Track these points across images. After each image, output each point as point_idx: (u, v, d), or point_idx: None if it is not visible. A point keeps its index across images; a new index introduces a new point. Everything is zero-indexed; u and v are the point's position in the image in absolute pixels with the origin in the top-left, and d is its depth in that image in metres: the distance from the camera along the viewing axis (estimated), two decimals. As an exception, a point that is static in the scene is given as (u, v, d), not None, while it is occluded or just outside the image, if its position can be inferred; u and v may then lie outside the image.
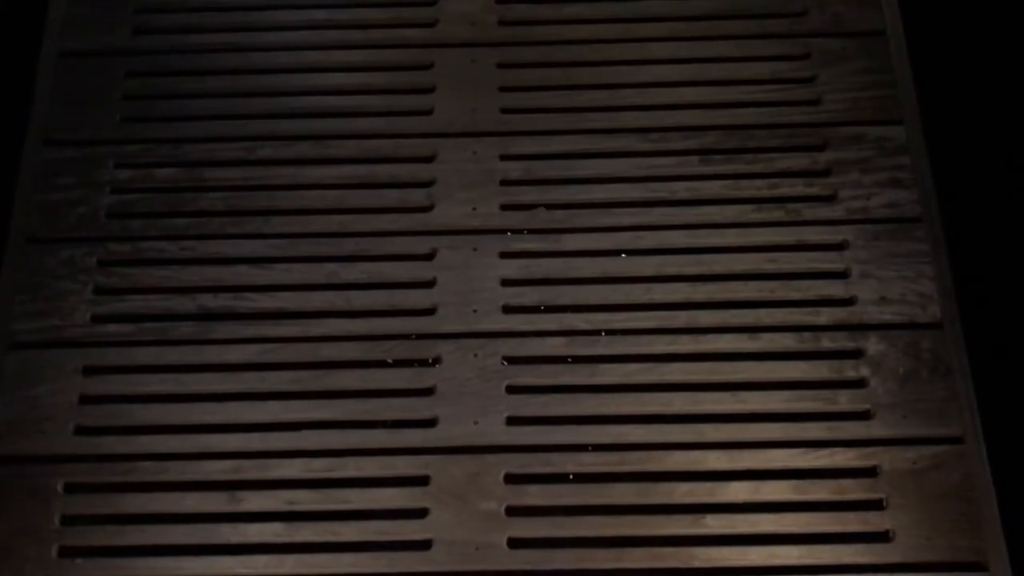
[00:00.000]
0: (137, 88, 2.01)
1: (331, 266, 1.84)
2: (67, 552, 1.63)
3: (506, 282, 1.83)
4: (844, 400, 1.72)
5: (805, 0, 2.07)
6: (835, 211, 1.88)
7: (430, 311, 1.80)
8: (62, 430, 1.71)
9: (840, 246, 1.84)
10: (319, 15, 2.10)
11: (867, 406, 1.71)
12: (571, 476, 1.68)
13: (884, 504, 1.65)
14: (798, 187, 1.90)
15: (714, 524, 1.64)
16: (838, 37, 2.03)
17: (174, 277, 1.83)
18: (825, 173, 1.91)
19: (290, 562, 1.62)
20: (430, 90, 2.01)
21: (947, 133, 2.02)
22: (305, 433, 1.71)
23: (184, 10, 2.09)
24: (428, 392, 1.73)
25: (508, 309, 1.80)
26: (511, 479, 1.67)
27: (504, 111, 1.98)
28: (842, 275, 1.82)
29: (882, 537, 1.63)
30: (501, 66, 2.03)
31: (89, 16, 2.08)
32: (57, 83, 2.00)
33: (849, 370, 1.75)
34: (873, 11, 2.06)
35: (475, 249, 1.86)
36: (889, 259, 1.83)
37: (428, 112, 1.98)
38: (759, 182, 1.91)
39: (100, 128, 1.96)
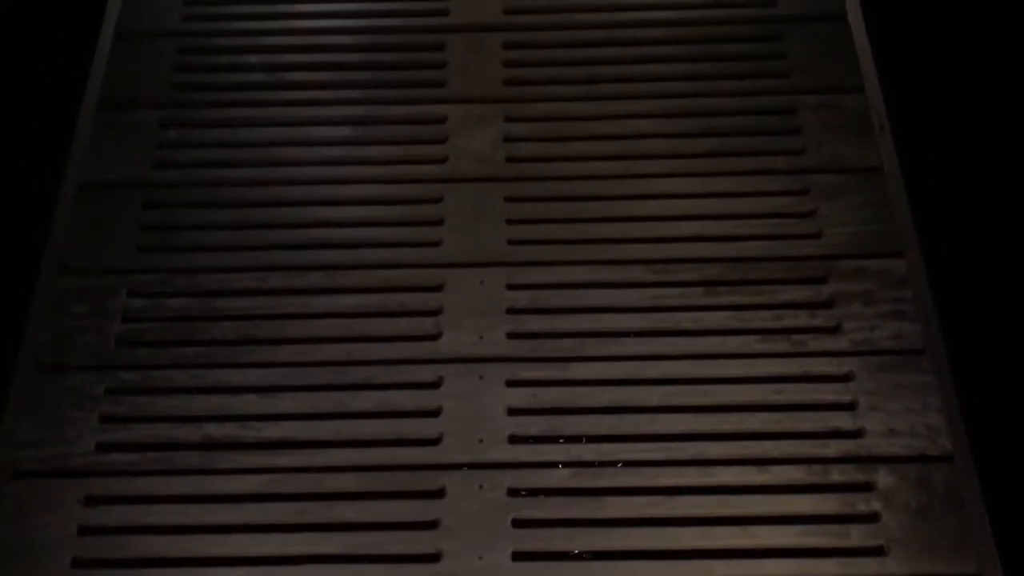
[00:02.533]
0: (154, 219, 1.94)
1: (338, 395, 1.73)
2: None
3: (512, 411, 1.71)
4: (856, 535, 1.58)
5: (804, 138, 2.01)
6: (840, 343, 1.77)
7: (435, 441, 1.68)
8: (59, 563, 1.57)
9: (846, 378, 1.73)
10: (335, 152, 2.04)
11: (880, 541, 1.57)
12: (578, 614, 1.53)
13: (903, 646, 1.49)
14: (802, 319, 1.80)
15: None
16: (837, 173, 1.96)
17: (181, 406, 1.71)
18: (828, 305, 1.81)
19: None
20: (439, 223, 1.93)
21: (948, 265, 1.93)
22: (307, 568, 1.57)
23: (203, 145, 2.04)
24: (432, 525, 1.59)
25: (514, 439, 1.68)
26: (517, 617, 1.53)
27: (511, 242, 1.90)
28: (849, 407, 1.70)
29: None
30: (509, 200, 1.96)
31: (112, 148, 2.02)
32: (76, 213, 1.93)
33: (860, 504, 1.61)
34: (870, 149, 1.99)
35: (481, 377, 1.74)
36: (896, 391, 1.71)
37: (437, 243, 1.90)
38: (763, 313, 1.80)
39: (116, 257, 1.88)
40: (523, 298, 1.83)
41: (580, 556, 1.57)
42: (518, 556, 1.57)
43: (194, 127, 2.06)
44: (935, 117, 2.24)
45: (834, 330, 1.78)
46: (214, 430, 1.69)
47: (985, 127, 2.26)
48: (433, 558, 1.57)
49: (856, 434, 1.67)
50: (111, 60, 2.14)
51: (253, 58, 2.15)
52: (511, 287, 1.84)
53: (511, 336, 1.78)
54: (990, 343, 2.01)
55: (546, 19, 2.20)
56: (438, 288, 1.84)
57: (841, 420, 1.69)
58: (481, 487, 1.62)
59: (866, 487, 1.62)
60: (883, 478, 1.62)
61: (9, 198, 2.22)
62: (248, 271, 1.86)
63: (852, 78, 2.08)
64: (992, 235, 2.15)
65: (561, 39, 2.17)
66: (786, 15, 2.18)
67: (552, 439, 1.68)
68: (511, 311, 1.81)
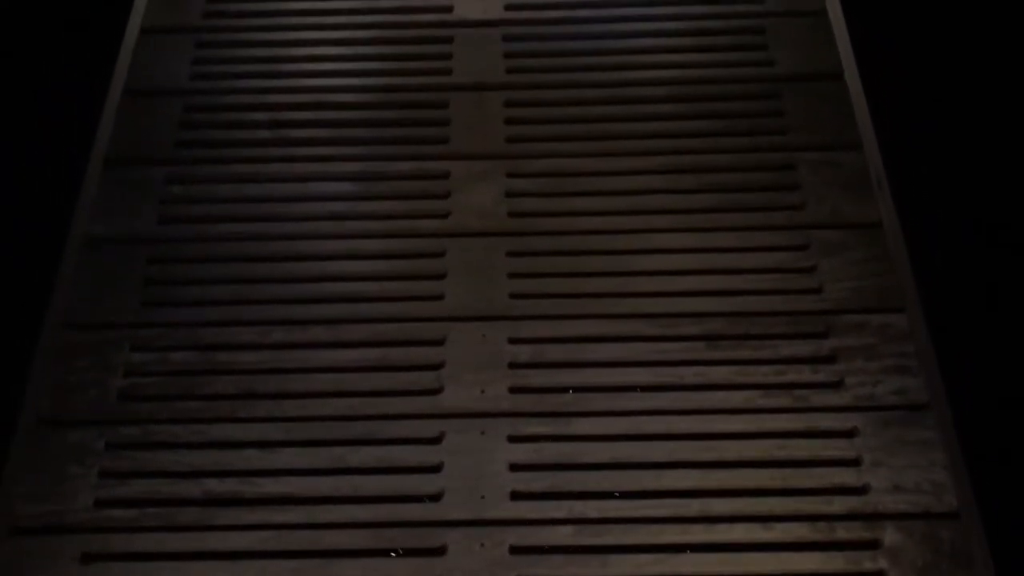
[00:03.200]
0: (158, 273, 1.91)
1: (339, 450, 1.69)
2: None
3: (514, 467, 1.67)
4: (863, 594, 1.54)
5: (803, 193, 1.99)
6: (843, 398, 1.74)
7: (436, 497, 1.64)
8: (54, 621, 1.52)
9: (850, 433, 1.69)
10: (339, 207, 2.03)
11: (887, 600, 1.53)
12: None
13: None
14: (804, 374, 1.77)
15: None
16: (836, 229, 1.95)
17: (181, 461, 1.68)
18: (830, 360, 1.78)
19: None
20: (441, 276, 1.91)
21: (949, 319, 1.90)
22: (305, 626, 1.52)
23: (208, 201, 2.03)
24: (434, 583, 1.55)
25: (517, 495, 1.64)
26: (519, 678, 1.48)
27: (513, 296, 1.88)
28: (854, 463, 1.66)
29: None
30: (511, 254, 1.94)
31: (117, 203, 2.01)
32: (80, 267, 1.91)
33: (867, 561, 1.56)
34: (869, 205, 1.98)
35: (483, 433, 1.71)
36: (900, 447, 1.68)
37: (439, 297, 1.88)
38: (766, 368, 1.77)
39: (119, 312, 1.86)
40: (525, 352, 1.80)
41: (583, 615, 1.53)
42: (520, 615, 1.52)
43: (199, 183, 2.05)
44: (933, 173, 2.23)
45: (837, 385, 1.75)
46: (215, 485, 1.65)
47: (983, 182, 2.25)
48: (434, 617, 1.52)
49: (861, 491, 1.63)
50: (119, 116, 2.14)
51: (259, 115, 2.15)
52: (513, 341, 1.82)
53: (513, 391, 1.75)
54: (994, 397, 1.98)
55: (547, 78, 2.20)
56: (440, 342, 1.81)
57: (846, 476, 1.65)
58: (483, 545, 1.58)
59: (872, 544, 1.58)
60: (889, 535, 1.58)
61: (15, 252, 2.19)
62: (250, 325, 1.84)
63: (850, 135, 2.08)
64: (992, 289, 2.13)
65: (562, 97, 2.17)
66: (784, 74, 2.18)
67: (555, 496, 1.64)
68: (513, 365, 1.78)
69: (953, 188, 2.24)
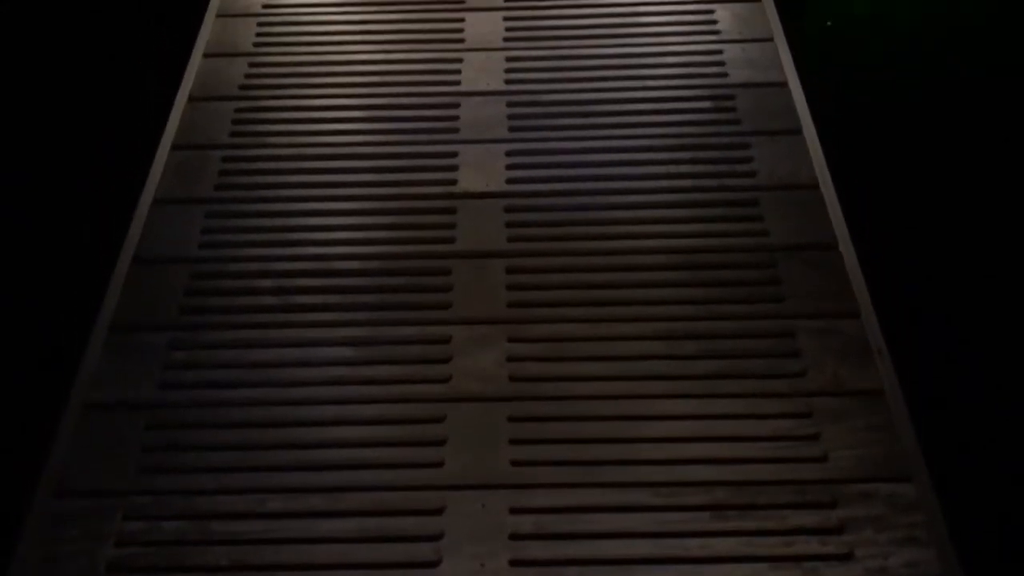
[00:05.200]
0: (156, 440, 1.85)
1: (333, 626, 1.60)
2: None
3: (515, 645, 1.57)
4: None
5: (803, 361, 1.95)
6: (853, 571, 1.65)
7: (434, 678, 1.53)
8: None
9: (863, 609, 1.60)
10: (340, 372, 1.99)
11: None
12: None
13: None
14: (813, 545, 1.68)
15: None
16: (838, 396, 1.90)
17: (168, 637, 1.58)
18: (839, 531, 1.70)
19: None
20: (441, 443, 1.85)
21: (957, 489, 1.83)
22: None
23: (211, 366, 1.99)
24: None
25: (517, 676, 1.54)
26: None
27: (515, 463, 1.81)
28: (869, 641, 1.56)
29: None
30: (512, 420, 1.88)
31: (119, 370, 1.96)
32: (78, 434, 1.85)
33: None
34: (870, 372, 1.93)
35: (483, 608, 1.62)
36: (916, 624, 1.58)
37: (439, 464, 1.81)
38: (773, 540, 1.69)
39: (114, 479, 1.79)
40: (526, 523, 1.72)
41: None
42: None
43: (202, 348, 2.02)
44: (932, 340, 2.20)
45: (846, 557, 1.66)
46: (200, 665, 1.54)
47: (982, 348, 2.22)
48: None
49: (878, 672, 1.53)
50: (126, 283, 2.13)
51: (265, 282, 2.14)
52: (514, 511, 1.74)
53: (514, 564, 1.66)
54: (1007, 569, 1.89)
55: (547, 246, 2.20)
56: (438, 511, 1.74)
57: (861, 656, 1.55)
58: None
59: None
60: None
61: (13, 418, 2.15)
62: (246, 493, 1.77)
63: (847, 303, 2.05)
64: (999, 457, 2.06)
65: (562, 264, 2.16)
66: (779, 243, 2.18)
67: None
68: (514, 536, 1.70)
69: (953, 356, 2.21)
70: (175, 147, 2.42)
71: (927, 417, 1.90)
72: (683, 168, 2.34)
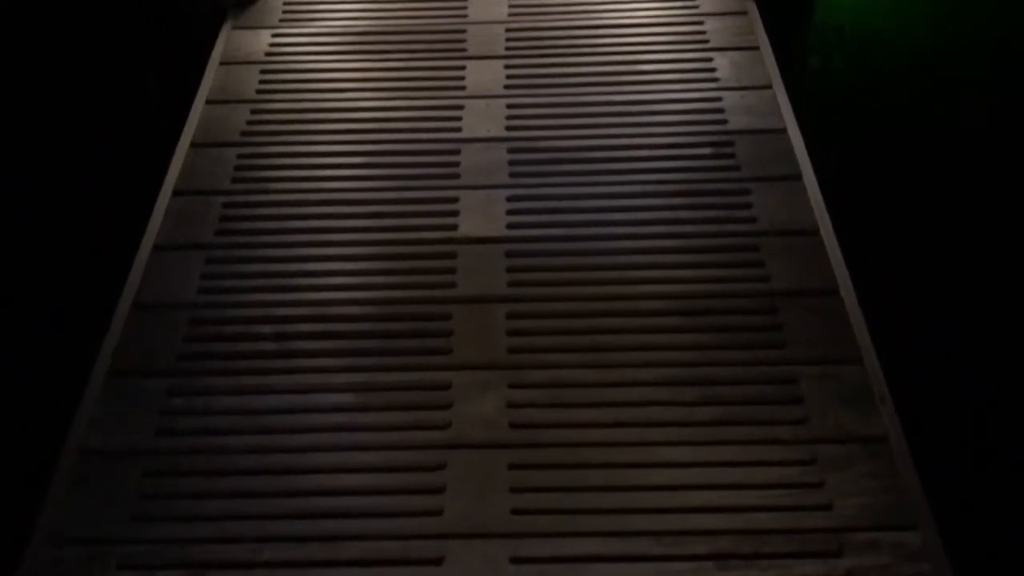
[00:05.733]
0: (152, 487, 1.82)
1: None
2: None
3: None
4: None
5: (806, 407, 1.93)
6: (861, 622, 1.62)
7: None
8: None
9: (871, 662, 1.56)
10: (340, 418, 1.96)
11: None
12: None
13: None
14: (819, 595, 1.66)
15: None
16: (842, 443, 1.87)
17: None
18: (845, 581, 1.67)
19: None
20: (441, 490, 1.82)
21: (963, 536, 1.80)
22: None
23: (210, 413, 1.96)
24: None
25: None
26: None
27: (515, 512, 1.78)
28: None
29: None
30: (512, 467, 1.86)
31: (116, 415, 1.94)
32: (74, 481, 1.83)
33: None
34: (873, 419, 1.91)
35: (483, 661, 1.58)
36: (925, 677, 1.54)
37: (438, 513, 1.78)
38: (778, 590, 1.66)
39: (109, 527, 1.76)
40: (528, 573, 1.69)
41: None
42: None
43: (201, 395, 1.99)
44: (935, 387, 2.18)
45: (853, 608, 1.63)
46: None
47: (987, 393, 2.20)
48: None
49: None
50: (125, 328, 2.11)
51: (265, 328, 2.12)
52: (515, 560, 1.71)
53: (514, 615, 1.63)
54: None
55: (548, 291, 2.19)
56: (438, 562, 1.70)
57: None
58: None
59: None
60: None
61: (9, 464, 2.12)
62: (243, 542, 1.74)
63: (849, 349, 2.04)
64: (1006, 504, 2.03)
65: (563, 309, 2.15)
66: (780, 289, 2.16)
67: None
68: (514, 586, 1.67)
69: (956, 403, 2.18)
70: (176, 193, 2.42)
71: (932, 464, 1.87)
72: (683, 214, 2.34)
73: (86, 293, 2.41)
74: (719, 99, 2.63)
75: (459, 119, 2.61)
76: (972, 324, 2.38)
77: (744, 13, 2.91)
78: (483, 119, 2.60)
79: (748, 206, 2.34)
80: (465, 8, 2.97)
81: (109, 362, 2.04)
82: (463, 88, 2.70)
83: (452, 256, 2.26)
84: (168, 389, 1.99)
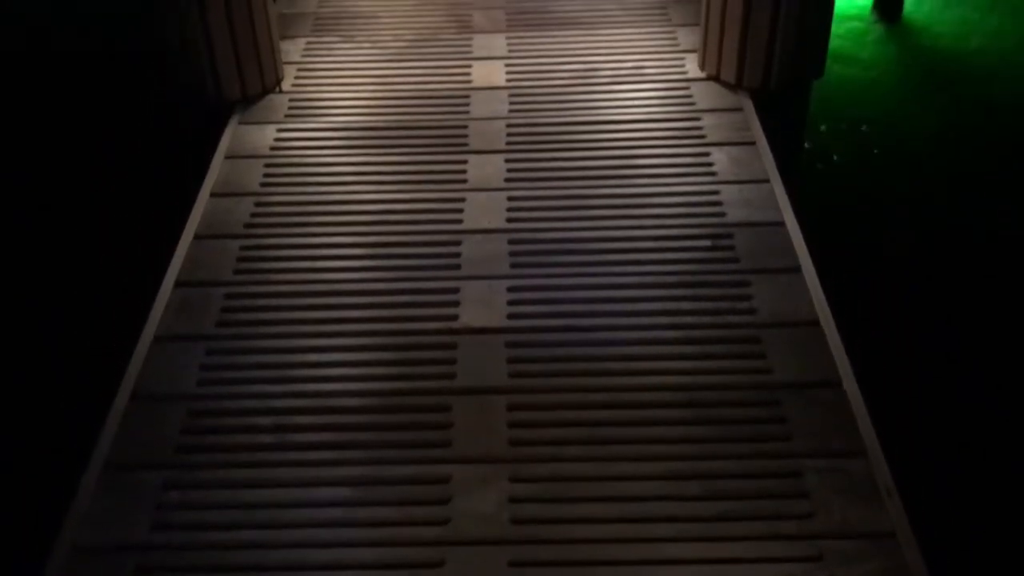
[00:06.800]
0: (144, 584, 1.78)
1: None
2: None
3: None
4: None
5: (812, 502, 1.89)
6: None
7: None
8: None
9: None
10: (337, 513, 1.92)
11: None
12: None
13: None
14: None
15: None
16: (849, 539, 1.83)
17: None
18: None
19: None
20: (440, 589, 1.77)
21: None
22: None
23: (206, 507, 1.92)
24: None
25: None
26: None
27: (515, 612, 1.73)
28: None
29: None
30: (513, 564, 1.80)
31: (111, 509, 1.90)
32: (66, 577, 1.78)
33: None
34: (880, 513, 1.86)
35: None
36: None
37: (437, 612, 1.73)
38: None
39: (99, 627, 1.71)
40: (528, 675, 1.63)
41: None
42: None
43: (197, 488, 1.95)
44: (942, 479, 2.14)
45: None
46: None
47: (995, 486, 2.16)
48: None
49: None
50: (123, 421, 2.08)
51: (263, 420, 2.09)
52: (515, 661, 1.65)
53: None
54: None
55: (549, 382, 2.16)
56: (437, 663, 1.65)
57: None
58: None
59: None
60: None
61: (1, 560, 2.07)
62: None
63: (853, 443, 2.00)
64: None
65: (564, 401, 2.12)
66: (782, 381, 2.14)
67: None
68: None
69: (964, 495, 2.14)
70: (179, 284, 2.41)
71: (941, 559, 1.82)
72: (684, 305, 2.33)
73: (85, 384, 2.38)
74: (717, 192, 2.65)
75: (461, 211, 2.62)
76: (978, 414, 2.36)
77: (740, 110, 2.95)
78: (484, 211, 2.61)
79: (748, 298, 2.34)
80: (467, 105, 3.02)
81: (105, 454, 2.00)
82: (464, 181, 2.72)
83: (452, 347, 2.25)
84: (164, 482, 1.95)
